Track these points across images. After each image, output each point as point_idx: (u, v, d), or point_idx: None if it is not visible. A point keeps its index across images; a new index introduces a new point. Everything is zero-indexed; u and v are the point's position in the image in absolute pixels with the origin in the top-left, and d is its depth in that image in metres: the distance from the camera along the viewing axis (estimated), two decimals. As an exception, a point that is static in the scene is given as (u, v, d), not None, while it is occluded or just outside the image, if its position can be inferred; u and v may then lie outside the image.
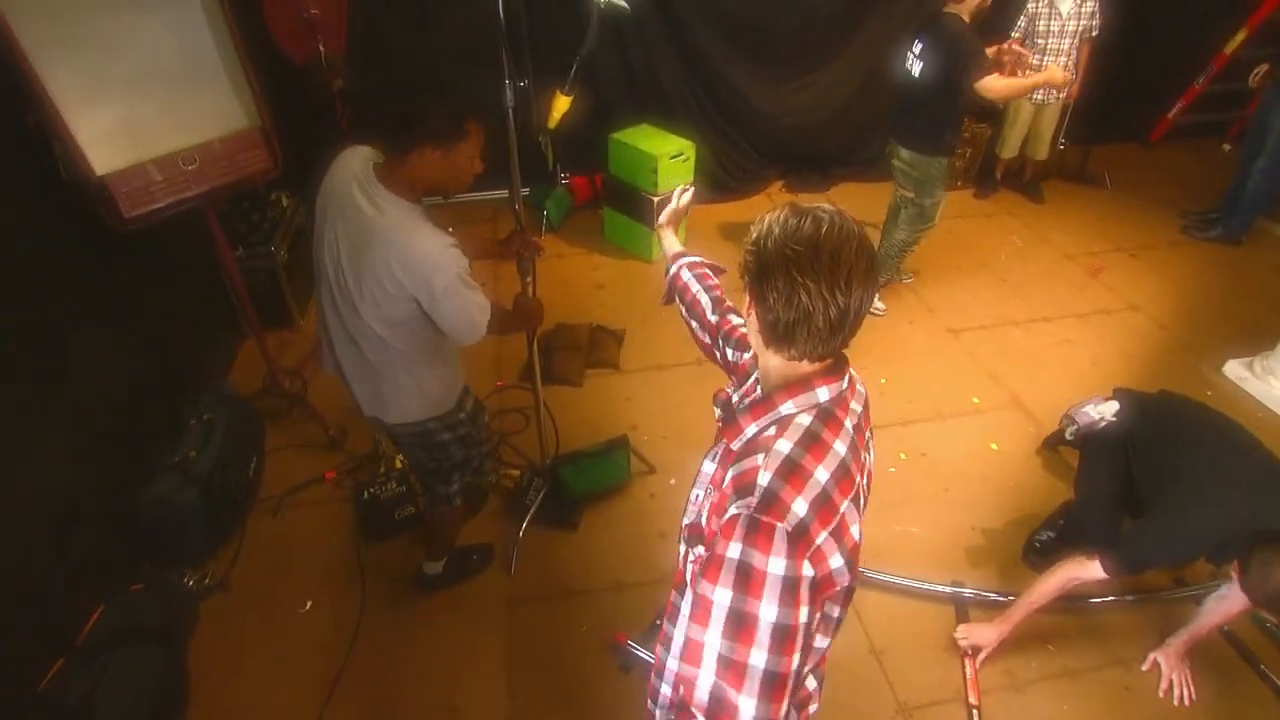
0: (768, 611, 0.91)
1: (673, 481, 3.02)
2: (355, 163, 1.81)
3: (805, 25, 4.88)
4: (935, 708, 2.31)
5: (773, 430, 1.03)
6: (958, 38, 3.26)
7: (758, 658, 0.91)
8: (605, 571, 2.69)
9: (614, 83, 4.82)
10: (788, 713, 0.96)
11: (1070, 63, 4.71)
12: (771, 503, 0.94)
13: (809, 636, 0.96)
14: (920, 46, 3.41)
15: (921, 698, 2.33)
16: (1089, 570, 2.14)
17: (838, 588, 0.98)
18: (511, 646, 2.46)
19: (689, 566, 1.17)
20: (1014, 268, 4.60)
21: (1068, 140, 5.38)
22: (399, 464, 2.87)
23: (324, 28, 3.45)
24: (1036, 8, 4.61)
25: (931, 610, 2.59)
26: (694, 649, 0.95)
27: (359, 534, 2.78)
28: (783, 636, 0.91)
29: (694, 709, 0.96)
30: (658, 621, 1.83)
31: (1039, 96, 4.84)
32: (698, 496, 1.19)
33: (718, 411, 1.19)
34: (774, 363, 1.06)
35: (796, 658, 0.93)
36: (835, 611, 1.07)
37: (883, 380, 3.57)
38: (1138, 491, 2.35)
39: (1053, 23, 4.60)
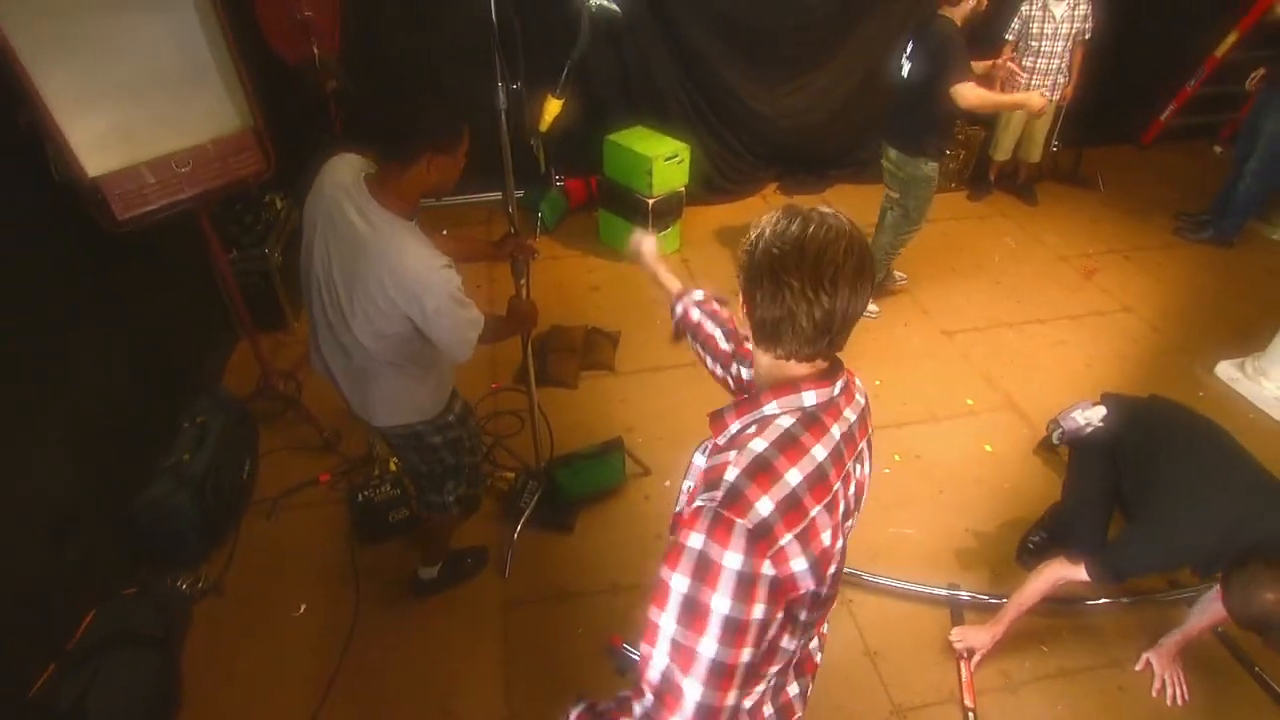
0: (720, 604, 0.92)
1: (668, 483, 3.02)
2: (345, 174, 1.76)
3: (801, 27, 4.88)
4: (930, 709, 2.32)
5: (753, 429, 1.04)
6: (944, 41, 3.28)
7: (707, 646, 0.93)
8: (601, 574, 2.68)
9: (609, 84, 4.83)
10: (738, 705, 0.98)
11: (1064, 65, 4.76)
12: (735, 499, 0.95)
13: (765, 633, 0.97)
14: (911, 47, 3.44)
15: (916, 699, 2.34)
16: (1075, 572, 2.15)
17: (802, 591, 0.98)
18: (507, 649, 2.45)
19: None
20: (1008, 270, 4.61)
21: (1060, 142, 5.40)
22: (393, 467, 2.86)
23: (317, 29, 3.44)
24: (1030, 10, 4.64)
25: (926, 612, 2.59)
26: (651, 629, 0.97)
27: (353, 537, 2.78)
28: (733, 630, 0.93)
29: (644, 685, 0.99)
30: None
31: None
32: (688, 488, 1.20)
33: None
34: (764, 361, 1.08)
35: (747, 652, 0.95)
36: (803, 615, 1.04)
37: (877, 382, 3.58)
38: (1124, 498, 2.36)
39: (1046, 25, 4.63)
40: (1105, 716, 2.32)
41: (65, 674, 2.01)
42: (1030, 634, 2.49)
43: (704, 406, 1.24)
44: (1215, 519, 1.99)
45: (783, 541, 0.94)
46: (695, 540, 0.94)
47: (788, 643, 1.07)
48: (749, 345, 1.20)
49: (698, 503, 0.98)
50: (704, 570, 0.93)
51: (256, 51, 2.85)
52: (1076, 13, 4.60)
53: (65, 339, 2.38)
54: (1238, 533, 1.93)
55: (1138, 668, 2.41)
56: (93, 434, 2.44)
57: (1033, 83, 4.79)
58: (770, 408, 1.04)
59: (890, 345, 3.85)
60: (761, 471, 0.97)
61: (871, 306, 4.05)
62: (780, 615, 0.99)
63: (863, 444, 1.13)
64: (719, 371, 1.57)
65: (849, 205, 5.20)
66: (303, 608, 2.56)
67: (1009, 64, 3.49)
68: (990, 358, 3.83)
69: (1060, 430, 2.56)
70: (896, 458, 3.15)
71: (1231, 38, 5.49)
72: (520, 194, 4.76)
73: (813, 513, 0.97)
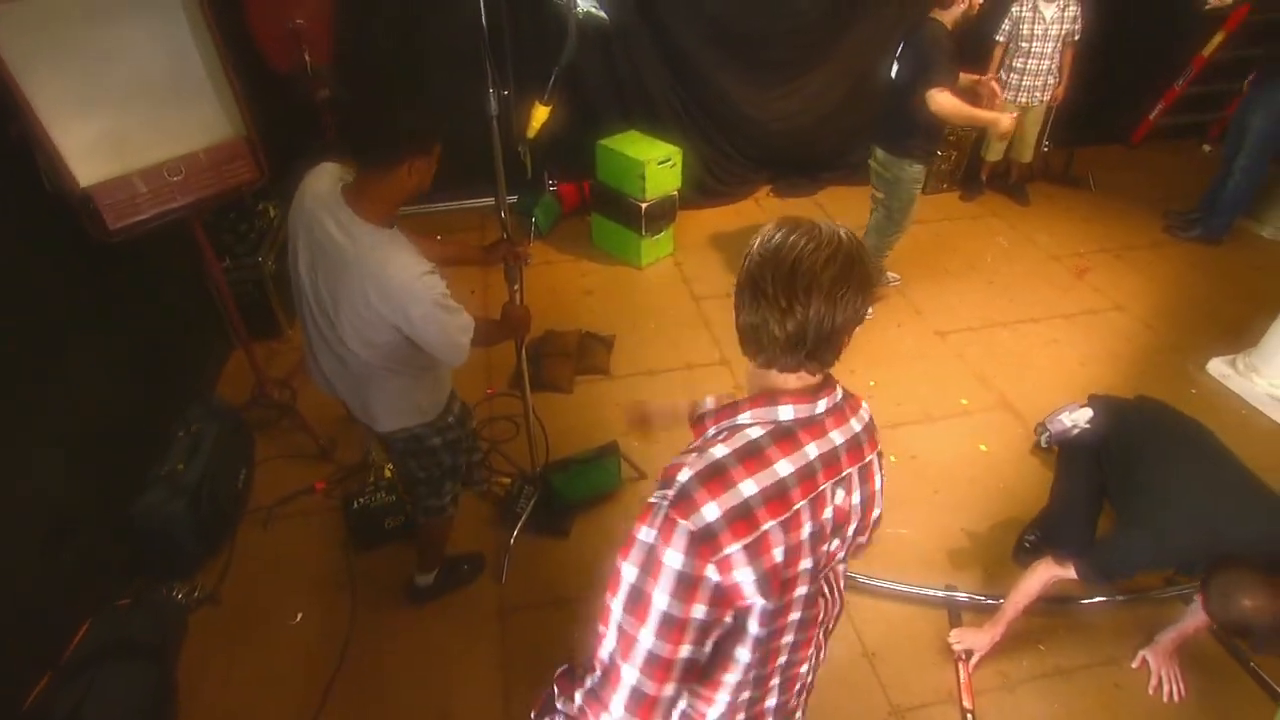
0: (660, 598, 0.96)
1: (664, 487, 3.02)
2: (323, 185, 1.76)
3: (792, 30, 4.90)
4: (928, 709, 2.32)
5: (724, 435, 1.04)
6: (929, 45, 3.31)
7: (645, 637, 0.97)
8: (597, 578, 2.67)
9: (600, 89, 4.83)
10: (676, 696, 1.01)
11: (1054, 66, 4.80)
12: (682, 500, 0.96)
13: (707, 635, 0.99)
14: (901, 49, 3.47)
15: (914, 700, 2.34)
16: (1065, 571, 2.17)
17: (748, 602, 0.98)
18: (505, 655, 2.45)
19: None
20: (1000, 269, 4.63)
21: (1052, 143, 5.44)
22: (388, 473, 2.86)
23: (309, 37, 3.44)
24: (1020, 12, 4.67)
25: (924, 613, 2.60)
26: (605, 612, 1.02)
27: (348, 544, 2.77)
28: (670, 625, 0.96)
29: (595, 661, 1.05)
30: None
31: (1023, 98, 4.89)
32: None
33: None
34: (750, 368, 1.08)
35: (685, 649, 0.97)
36: (754, 628, 1.04)
37: (871, 383, 3.59)
38: (1111, 498, 2.37)
39: (1036, 26, 4.67)
40: (1103, 714, 2.32)
41: (60, 685, 2.00)
42: (1027, 633, 2.50)
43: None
44: (1198, 521, 2.01)
45: (728, 550, 0.94)
46: (645, 534, 0.98)
47: (743, 654, 1.06)
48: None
49: (651, 499, 1.00)
50: (650, 564, 0.96)
51: (249, 60, 2.86)
52: (1066, 14, 4.64)
53: (58, 348, 2.37)
54: (1219, 534, 1.95)
55: (1134, 665, 2.42)
56: (86, 443, 2.43)
57: (1024, 83, 4.84)
58: (744, 417, 1.04)
59: (884, 346, 3.86)
60: (715, 478, 0.97)
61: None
62: (729, 622, 1.00)
63: (851, 470, 1.09)
64: None
65: (841, 207, 5.23)
66: (299, 616, 2.55)
67: (992, 82, 3.51)
68: (984, 357, 3.84)
69: (1047, 433, 2.58)
70: (892, 458, 3.16)
71: (1218, 37, 5.53)
72: (514, 199, 4.78)
73: (765, 527, 0.96)
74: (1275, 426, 3.41)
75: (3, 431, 2.08)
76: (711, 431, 1.07)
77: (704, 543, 0.94)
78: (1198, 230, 4.94)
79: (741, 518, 0.95)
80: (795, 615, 1.08)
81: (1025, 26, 4.69)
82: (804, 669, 1.19)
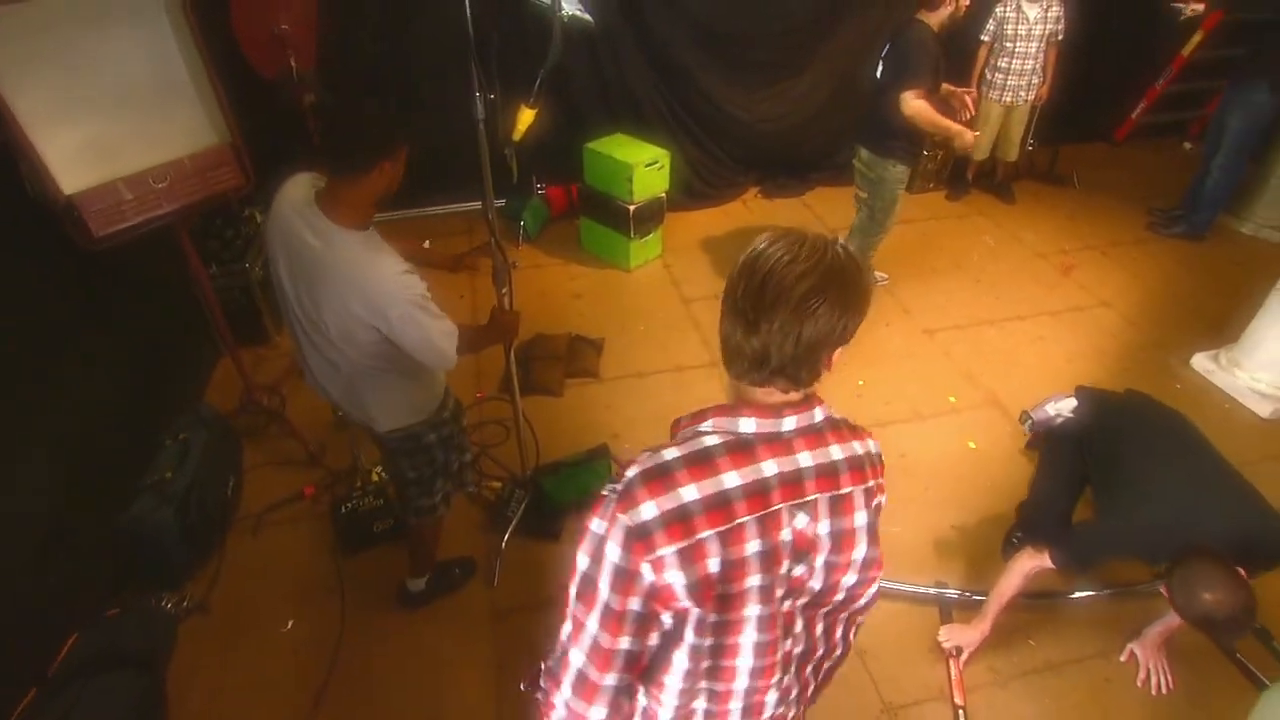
0: (603, 588, 0.99)
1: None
2: (298, 192, 1.77)
3: (779, 31, 4.93)
4: (920, 706, 2.34)
5: (686, 440, 1.03)
6: (912, 47, 3.34)
7: (591, 623, 1.00)
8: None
9: (587, 93, 4.84)
10: (621, 685, 1.03)
11: (1038, 65, 4.85)
12: (625, 495, 0.97)
13: (646, 630, 1.00)
14: (886, 50, 3.49)
15: (906, 697, 2.35)
16: (1044, 560, 2.19)
17: (681, 605, 0.98)
18: (497, 658, 2.45)
19: None
20: (987, 267, 4.67)
21: (1036, 141, 5.48)
22: (376, 477, 2.85)
23: (294, 42, 3.43)
24: (1004, 12, 4.73)
25: (915, 610, 2.61)
26: (566, 597, 1.04)
27: (338, 549, 2.76)
28: (609, 615, 0.99)
29: (557, 643, 1.07)
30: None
31: (1007, 98, 4.94)
32: None
33: None
34: (727, 380, 1.08)
35: (625, 640, 1.00)
36: (690, 636, 1.04)
37: (860, 382, 3.61)
38: (1092, 488, 2.40)
39: (1020, 26, 4.72)
40: (1092, 708, 2.34)
41: (46, 699, 1.98)
42: (1017, 629, 2.52)
43: (688, 409, 1.25)
44: (1173, 512, 2.03)
45: (661, 550, 0.95)
46: (595, 525, 1.00)
47: (680, 659, 1.07)
48: None
49: (603, 491, 1.02)
50: (597, 554, 0.99)
51: (234, 65, 2.84)
52: (1049, 14, 4.69)
53: (45, 357, 2.36)
54: (1193, 525, 1.97)
55: (1122, 658, 2.44)
56: (73, 453, 2.41)
57: (1008, 83, 4.89)
58: (706, 425, 1.03)
59: (873, 346, 3.88)
60: (659, 478, 0.97)
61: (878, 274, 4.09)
62: (668, 622, 1.01)
63: (819, 496, 1.03)
64: None
65: (829, 207, 5.26)
66: (290, 623, 2.54)
67: (965, 95, 3.56)
68: (972, 355, 3.87)
69: (1031, 421, 2.62)
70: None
71: (1197, 37, 5.60)
72: (502, 203, 4.77)
73: (701, 535, 0.95)
74: (1257, 419, 3.46)
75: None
76: (680, 436, 1.07)
77: (639, 539, 0.95)
78: (1181, 227, 5.00)
79: (678, 521, 0.95)
80: (749, 637, 1.05)
81: (1009, 26, 4.74)
82: (769, 698, 1.14)
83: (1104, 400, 2.54)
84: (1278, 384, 3.48)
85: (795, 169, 5.55)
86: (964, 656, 2.41)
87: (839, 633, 1.23)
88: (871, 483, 1.10)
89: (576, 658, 1.03)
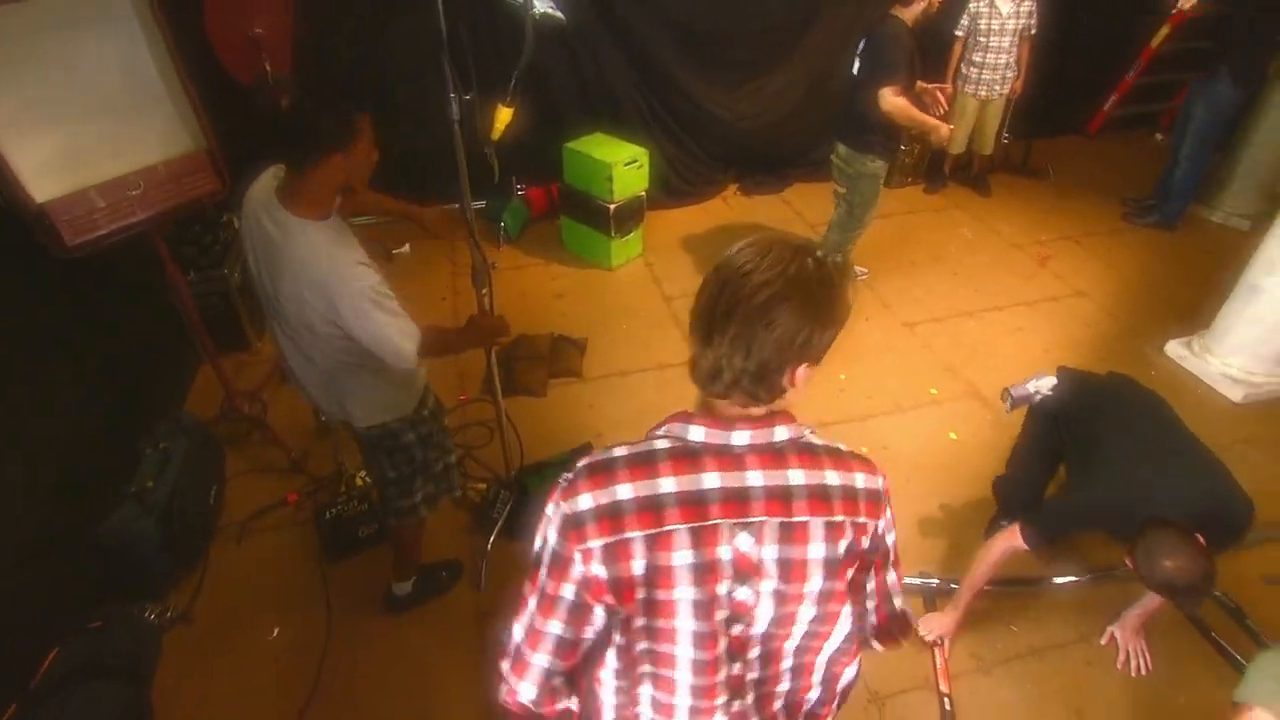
0: (542, 570, 1.02)
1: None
2: (263, 185, 1.80)
3: (756, 30, 4.95)
4: (906, 695, 2.36)
5: (646, 439, 1.03)
6: (888, 42, 3.38)
7: (531, 601, 1.04)
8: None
9: (565, 92, 4.85)
10: (553, 669, 1.06)
11: (1012, 60, 4.91)
12: (569, 485, 1.00)
13: (579, 620, 1.02)
14: (863, 46, 3.52)
15: (893, 686, 2.38)
16: (1015, 540, 2.22)
17: (607, 599, 0.99)
18: (485, 661, 2.44)
19: None
20: (964, 260, 4.72)
21: (1011, 135, 5.55)
22: (360, 482, 2.84)
23: (269, 46, 3.40)
24: (978, 7, 4.79)
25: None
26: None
27: (322, 555, 2.74)
28: (544, 598, 1.02)
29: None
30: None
31: (982, 92, 5.00)
32: None
33: None
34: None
35: (555, 625, 1.02)
36: (617, 636, 1.05)
37: (842, 377, 3.64)
38: (1066, 463, 2.46)
39: (993, 21, 4.78)
40: (1074, 691, 2.38)
41: (28, 713, 1.96)
42: (999, 616, 2.55)
43: (673, 408, 1.26)
44: (1134, 484, 2.09)
45: (591, 542, 0.96)
46: (549, 509, 1.02)
47: (610, 658, 1.08)
48: None
49: (560, 479, 1.03)
50: (544, 537, 1.02)
51: (208, 70, 2.81)
52: (1022, 9, 4.75)
53: (21, 367, 2.33)
54: (1152, 498, 2.02)
55: (1103, 642, 2.49)
56: (51, 464, 2.38)
57: (983, 77, 4.95)
58: (663, 429, 1.02)
59: (853, 340, 3.90)
60: (600, 473, 0.98)
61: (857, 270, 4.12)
62: (601, 616, 1.02)
63: (768, 519, 0.98)
64: None
65: (808, 203, 5.29)
66: (275, 631, 2.52)
67: (937, 92, 3.60)
68: (951, 347, 3.91)
69: (1011, 397, 2.67)
70: (864, 449, 3.18)
71: (1164, 30, 5.69)
72: (483, 205, 4.77)
73: (629, 534, 0.95)
74: (1229, 404, 3.53)
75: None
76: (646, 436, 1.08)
77: (573, 528, 0.97)
78: (1154, 216, 5.08)
79: (609, 517, 0.96)
80: (684, 651, 1.03)
81: (983, 21, 4.79)
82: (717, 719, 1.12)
83: (1083, 380, 2.60)
84: (1248, 369, 3.55)
85: (774, 166, 5.58)
86: (947, 644, 2.44)
87: (816, 675, 1.17)
88: (841, 518, 1.01)
89: (517, 632, 1.06)
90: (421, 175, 3.90)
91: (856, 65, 3.54)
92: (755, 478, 0.98)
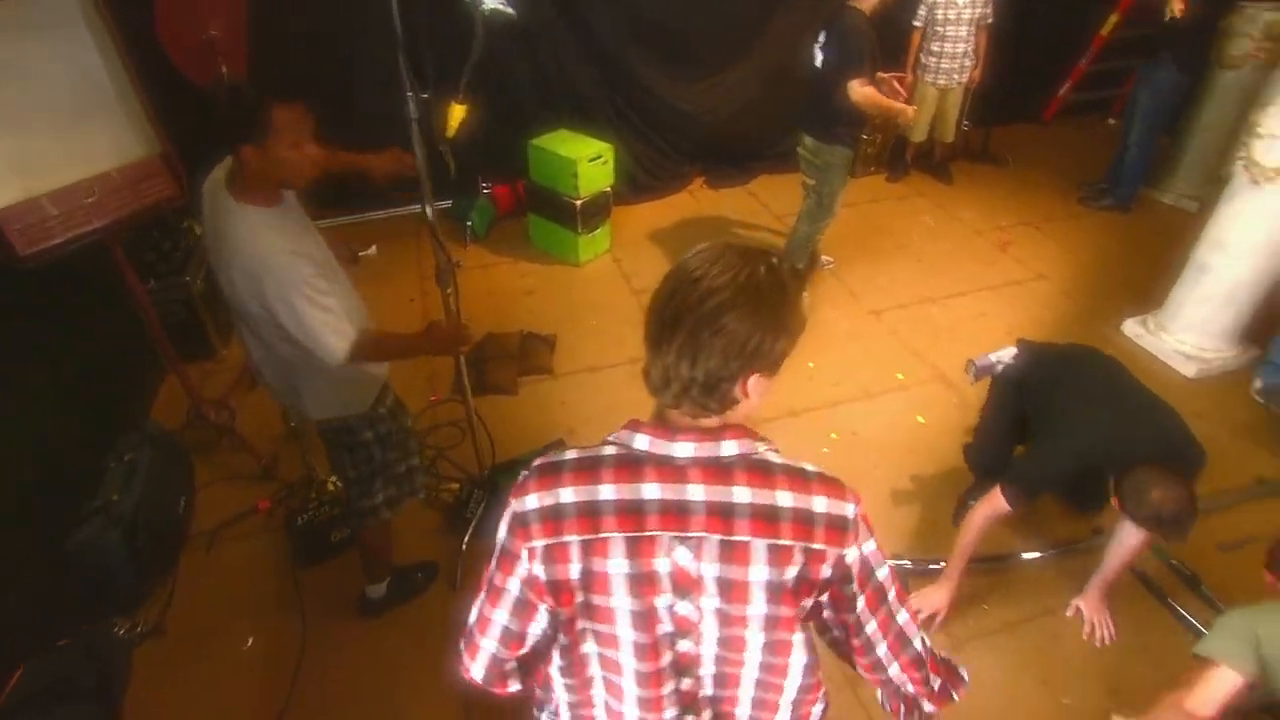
0: (494, 561, 1.05)
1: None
2: (215, 175, 1.81)
3: (715, 22, 4.98)
4: (880, 674, 2.40)
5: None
6: (849, 34, 3.42)
7: (485, 587, 1.07)
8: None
9: (528, 89, 4.84)
10: (502, 657, 1.09)
11: (969, 49, 5.00)
12: (521, 483, 1.01)
13: (525, 613, 1.04)
14: (824, 38, 3.55)
15: (866, 666, 2.42)
16: (996, 502, 2.30)
17: (548, 598, 1.01)
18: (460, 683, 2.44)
19: None
20: (928, 247, 4.80)
21: (970, 122, 5.65)
22: (331, 487, 2.82)
23: (225, 49, 3.34)
24: None
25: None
26: None
27: (296, 561, 2.72)
28: (491, 588, 1.06)
29: None
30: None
31: (941, 80, 5.08)
32: None
33: None
34: None
35: (501, 615, 1.05)
36: (562, 636, 1.06)
37: (811, 365, 3.68)
38: (1031, 425, 2.54)
39: (949, 11, 4.86)
40: (1044, 662, 2.45)
41: (-5, 733, 1.93)
42: (971, 594, 2.61)
43: (645, 403, 1.27)
44: (1105, 431, 2.21)
45: (535, 542, 0.98)
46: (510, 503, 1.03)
47: (555, 656, 1.10)
48: None
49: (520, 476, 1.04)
50: (499, 528, 1.04)
51: (163, 73, 2.76)
52: (977, -1, 4.84)
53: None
54: (1121, 442, 2.15)
55: (1069, 614, 2.56)
56: (14, 481, 2.34)
57: (941, 66, 5.03)
58: (613, 435, 1.01)
59: (821, 329, 3.95)
60: (548, 474, 0.99)
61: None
62: (545, 611, 1.04)
63: (708, 536, 0.94)
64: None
65: (773, 195, 5.34)
66: (250, 640, 2.50)
67: (894, 82, 3.67)
68: (917, 333, 3.98)
69: (975, 368, 2.75)
70: (834, 436, 3.26)
71: (1114, 17, 5.84)
72: (449, 204, 4.74)
73: (567, 538, 0.96)
74: (1183, 379, 3.65)
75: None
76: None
77: (520, 526, 0.99)
78: (1108, 200, 5.22)
79: (551, 519, 0.97)
80: (627, 658, 1.03)
81: (940, 12, 4.87)
82: None
83: (1043, 349, 2.71)
84: (1200, 345, 3.67)
85: (739, 159, 5.61)
86: (938, 620, 2.48)
87: (783, 715, 1.11)
88: (789, 542, 0.94)
89: (472, 614, 1.09)
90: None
91: (819, 57, 3.57)
92: (696, 492, 0.94)
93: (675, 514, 0.94)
